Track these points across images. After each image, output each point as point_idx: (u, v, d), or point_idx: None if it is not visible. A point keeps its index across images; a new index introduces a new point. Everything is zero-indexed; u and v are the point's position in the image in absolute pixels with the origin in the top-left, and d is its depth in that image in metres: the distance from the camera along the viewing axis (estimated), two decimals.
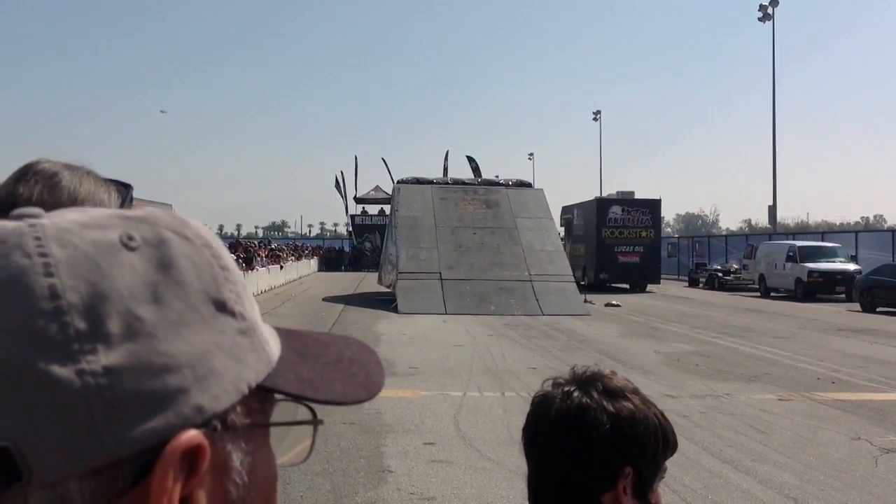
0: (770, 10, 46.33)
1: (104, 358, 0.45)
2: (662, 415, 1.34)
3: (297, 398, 0.55)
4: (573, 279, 24.70)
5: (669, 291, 34.01)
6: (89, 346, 0.45)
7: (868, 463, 7.05)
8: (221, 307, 0.51)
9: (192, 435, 0.47)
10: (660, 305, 26.14)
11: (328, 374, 0.57)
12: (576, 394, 1.30)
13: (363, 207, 62.40)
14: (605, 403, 1.29)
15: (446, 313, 21.25)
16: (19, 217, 0.49)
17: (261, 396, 0.53)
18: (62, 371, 0.44)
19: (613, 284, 34.57)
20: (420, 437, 7.75)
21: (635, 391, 1.34)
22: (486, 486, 6.29)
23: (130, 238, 0.49)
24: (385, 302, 23.70)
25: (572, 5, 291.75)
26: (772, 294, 31.51)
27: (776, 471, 6.81)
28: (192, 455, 0.47)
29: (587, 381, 1.33)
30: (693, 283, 39.75)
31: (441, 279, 23.51)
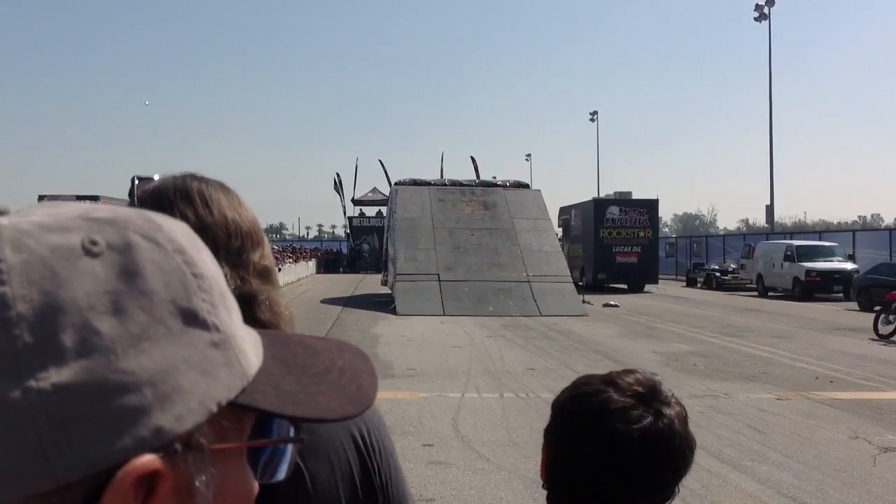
0: (766, 10, 46.39)
1: (55, 375, 0.41)
2: None
3: (275, 415, 0.51)
4: (571, 280, 24.71)
5: (667, 291, 34.02)
6: (39, 361, 0.41)
7: (866, 462, 7.06)
8: (191, 318, 0.47)
9: (147, 460, 0.43)
10: (658, 305, 26.15)
11: (313, 387, 0.53)
12: (668, 413, 1.27)
13: (361, 209, 62.41)
14: (687, 433, 1.28)
15: (444, 315, 21.25)
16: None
17: (236, 413, 0.49)
18: (7, 388, 0.41)
19: (611, 285, 34.59)
20: (419, 438, 7.74)
21: None
22: (485, 487, 6.29)
23: (94, 243, 0.45)
24: (383, 303, 23.70)
25: (568, 6, 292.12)
26: (769, 293, 31.54)
27: (775, 470, 6.82)
28: (148, 480, 0.44)
29: (666, 401, 1.29)
30: (691, 283, 39.78)
31: (439, 280, 23.51)
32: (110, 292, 0.44)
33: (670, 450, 1.25)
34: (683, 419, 1.30)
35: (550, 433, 1.34)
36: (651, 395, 1.28)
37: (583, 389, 1.32)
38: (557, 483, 1.31)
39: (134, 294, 0.45)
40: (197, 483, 0.47)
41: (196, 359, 0.47)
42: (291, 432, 0.59)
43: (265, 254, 1.12)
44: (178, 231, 0.50)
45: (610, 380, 1.31)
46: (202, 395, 0.46)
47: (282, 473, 0.60)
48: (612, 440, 1.25)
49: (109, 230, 0.46)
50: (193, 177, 1.15)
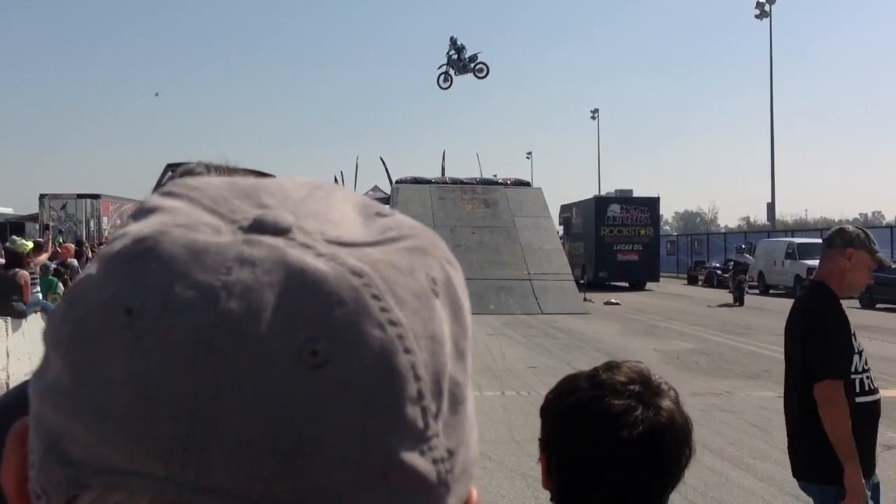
0: (767, 8, 46.34)
1: (445, 440, 0.38)
2: None
3: None
4: (572, 278, 24.72)
5: (668, 289, 34.01)
6: (437, 428, 0.38)
7: None
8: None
9: (476, 494, 0.43)
10: (659, 303, 26.15)
11: None
12: (666, 405, 1.30)
13: None
14: (684, 417, 1.31)
15: None
16: (283, 233, 0.38)
17: None
18: (423, 463, 0.37)
19: (612, 283, 34.58)
20: None
21: None
22: (487, 485, 6.29)
23: (434, 281, 0.40)
24: None
25: (569, 3, 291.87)
26: (771, 291, 31.52)
27: (777, 468, 6.80)
28: None
29: (660, 392, 1.30)
30: (692, 281, 39.77)
31: None
32: (453, 335, 0.40)
33: (676, 440, 1.25)
34: (677, 402, 1.30)
35: (550, 444, 1.30)
36: (646, 389, 1.28)
37: (577, 397, 1.29)
38: (568, 494, 1.29)
39: (463, 333, 0.42)
40: None
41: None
42: None
43: None
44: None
45: (599, 382, 1.29)
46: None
47: None
48: (620, 448, 1.24)
49: (433, 263, 0.41)
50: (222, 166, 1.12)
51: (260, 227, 0.38)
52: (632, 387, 1.27)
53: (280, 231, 0.38)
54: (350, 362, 0.35)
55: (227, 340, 0.35)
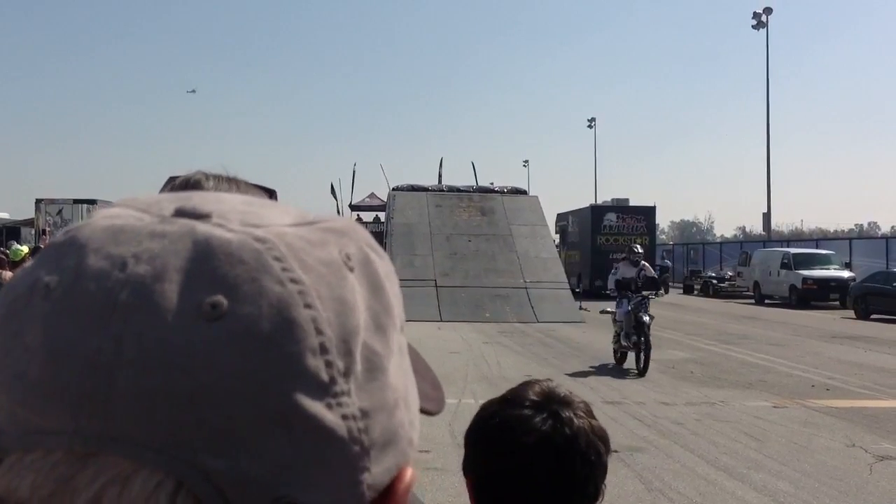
0: (764, 18, 46.55)
1: (358, 399, 0.40)
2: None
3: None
4: (568, 286, 24.73)
5: (664, 298, 34.04)
6: (346, 386, 0.39)
7: (863, 470, 7.06)
8: (402, 328, 0.46)
9: (411, 473, 0.44)
10: (654, 312, 26.12)
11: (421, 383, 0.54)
12: (566, 414, 1.29)
13: (358, 214, 62.39)
14: (592, 426, 1.29)
15: (441, 320, 21.23)
16: (201, 217, 0.40)
17: None
18: (329, 416, 0.38)
19: (608, 291, 34.58)
20: None
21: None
22: None
23: (348, 257, 0.42)
24: None
25: (566, 12, 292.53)
26: (766, 301, 31.56)
27: (771, 478, 6.81)
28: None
29: (565, 401, 1.31)
30: (688, 290, 39.81)
31: (436, 286, 23.48)
32: (370, 309, 0.42)
33: (576, 446, 1.24)
34: (587, 411, 1.29)
35: (467, 467, 1.32)
36: (547, 399, 1.28)
37: (482, 415, 1.32)
38: None
39: (384, 309, 0.44)
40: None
41: (407, 365, 0.47)
42: None
43: None
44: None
45: (505, 398, 1.31)
46: (417, 400, 0.48)
47: None
48: (519, 454, 1.24)
49: (349, 242, 0.43)
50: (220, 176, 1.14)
51: (180, 213, 0.41)
52: (533, 397, 1.29)
53: (198, 216, 0.40)
54: (248, 313, 0.37)
55: (130, 298, 0.37)
